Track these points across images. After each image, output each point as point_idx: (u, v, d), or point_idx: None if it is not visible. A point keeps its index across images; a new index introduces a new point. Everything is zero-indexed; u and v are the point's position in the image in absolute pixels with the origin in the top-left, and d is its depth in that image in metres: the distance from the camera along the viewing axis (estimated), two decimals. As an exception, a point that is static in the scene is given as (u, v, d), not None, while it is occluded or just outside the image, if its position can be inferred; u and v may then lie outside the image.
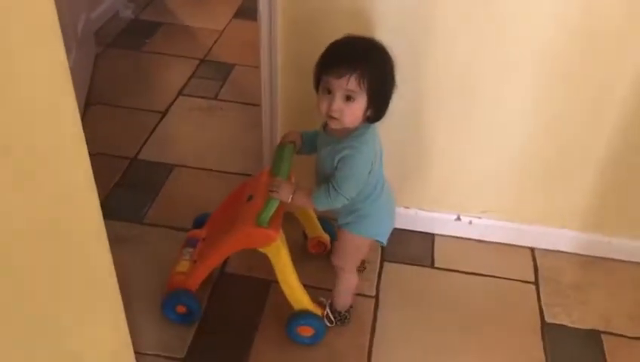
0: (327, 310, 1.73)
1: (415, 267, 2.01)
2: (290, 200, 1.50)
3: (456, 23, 1.66)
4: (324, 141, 1.51)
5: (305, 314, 1.68)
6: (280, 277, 1.63)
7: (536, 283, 1.97)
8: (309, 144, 1.63)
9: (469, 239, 2.09)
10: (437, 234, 2.11)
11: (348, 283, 1.70)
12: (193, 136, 2.54)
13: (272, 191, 1.51)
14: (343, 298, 1.72)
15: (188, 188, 2.29)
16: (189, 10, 3.44)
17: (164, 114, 2.64)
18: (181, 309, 1.72)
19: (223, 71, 2.93)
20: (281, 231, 1.59)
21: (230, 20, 3.33)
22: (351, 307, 1.76)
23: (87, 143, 0.97)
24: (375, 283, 1.93)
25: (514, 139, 1.86)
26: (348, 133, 1.43)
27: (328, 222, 1.92)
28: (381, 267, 1.99)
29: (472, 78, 1.76)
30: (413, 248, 2.06)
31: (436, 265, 2.01)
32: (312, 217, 1.90)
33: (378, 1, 1.66)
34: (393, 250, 2.01)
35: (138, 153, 2.41)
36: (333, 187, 1.44)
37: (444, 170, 1.97)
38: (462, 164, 1.94)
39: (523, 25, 1.64)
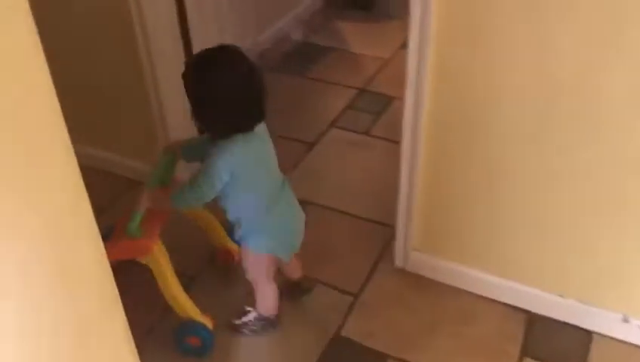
0: (252, 316, 1.76)
1: (562, 369, 1.67)
2: (151, 204, 1.56)
3: None
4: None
5: (192, 323, 1.68)
6: (162, 287, 1.63)
7: None
8: (190, 152, 1.65)
9: (638, 347, 1.69)
10: (596, 333, 1.73)
11: (263, 293, 1.72)
12: (333, 173, 2.41)
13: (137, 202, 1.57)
14: (265, 304, 1.74)
15: (315, 230, 2.14)
16: (360, 36, 3.33)
17: (312, 145, 2.54)
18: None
19: (381, 103, 2.76)
20: (159, 241, 1.60)
21: (399, 49, 3.15)
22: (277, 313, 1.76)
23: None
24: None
25: None
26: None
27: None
28: (520, 362, 1.68)
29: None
30: (564, 345, 1.71)
31: (590, 371, 1.66)
32: (216, 226, 1.89)
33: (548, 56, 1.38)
34: (538, 343, 1.69)
35: (277, 186, 2.33)
36: (189, 183, 1.47)
37: (611, 258, 1.60)
38: (636, 253, 1.57)
39: None
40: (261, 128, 1.51)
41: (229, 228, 1.80)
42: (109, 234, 1.76)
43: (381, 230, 2.12)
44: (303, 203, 2.20)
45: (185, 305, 1.67)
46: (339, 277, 1.97)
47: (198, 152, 1.57)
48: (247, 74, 1.44)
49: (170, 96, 2.07)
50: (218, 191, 1.47)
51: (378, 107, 2.74)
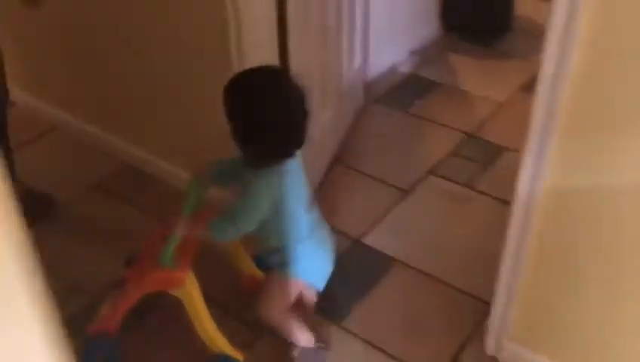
0: (297, 352, 1.66)
1: None
2: (187, 233, 1.48)
3: None
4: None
5: (222, 357, 1.61)
6: (194, 319, 1.57)
7: None
8: (223, 175, 1.56)
9: None
10: None
11: (290, 329, 1.63)
12: (427, 228, 2.16)
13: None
14: (298, 337, 1.64)
15: (401, 294, 1.92)
16: (474, 73, 3.04)
17: (406, 193, 2.31)
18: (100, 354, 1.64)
19: (489, 153, 2.48)
20: (190, 272, 1.53)
21: (515, 92, 2.84)
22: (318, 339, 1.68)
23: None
24: None
25: None
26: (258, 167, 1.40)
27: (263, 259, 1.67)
28: None
29: None
30: None
31: None
32: (242, 252, 1.79)
33: None
34: None
35: (363, 235, 2.12)
36: (228, 215, 1.42)
37: None
38: None
39: None
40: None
41: (255, 255, 1.79)
42: (130, 261, 1.72)
43: (474, 305, 1.86)
44: (389, 260, 2.02)
45: (216, 338, 1.61)
46: (420, 354, 1.73)
47: (232, 175, 1.54)
48: (287, 96, 1.36)
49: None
50: (257, 224, 1.43)
51: (486, 157, 2.46)
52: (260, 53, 1.81)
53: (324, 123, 2.25)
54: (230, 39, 1.80)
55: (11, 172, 1.88)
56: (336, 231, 2.08)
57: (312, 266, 1.57)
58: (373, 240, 2.10)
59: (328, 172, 2.36)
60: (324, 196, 2.18)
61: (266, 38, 1.85)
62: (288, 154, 1.39)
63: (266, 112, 1.34)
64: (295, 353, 1.68)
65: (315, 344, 1.68)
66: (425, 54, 3.15)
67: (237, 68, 1.81)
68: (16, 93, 2.35)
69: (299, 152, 1.44)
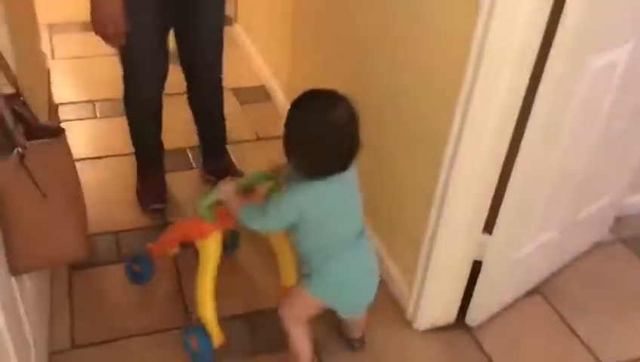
0: None
1: None
2: (225, 197, 1.54)
3: None
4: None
5: (198, 329, 1.62)
6: (198, 276, 1.61)
7: None
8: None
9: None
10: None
11: (296, 336, 1.57)
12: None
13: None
14: (297, 348, 1.58)
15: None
16: None
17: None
18: (136, 268, 1.86)
19: None
20: (219, 235, 1.60)
21: None
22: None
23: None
24: None
25: None
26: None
27: None
28: None
29: None
30: None
31: None
32: (289, 263, 1.77)
33: None
34: None
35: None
36: (262, 207, 1.47)
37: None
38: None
39: None
40: (350, 173, 1.45)
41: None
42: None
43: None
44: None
45: (205, 305, 1.61)
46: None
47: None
48: (338, 124, 1.38)
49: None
50: (285, 227, 1.48)
51: None
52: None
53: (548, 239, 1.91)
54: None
55: None
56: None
57: (334, 287, 1.52)
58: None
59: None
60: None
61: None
62: (327, 175, 1.41)
63: (313, 133, 1.39)
64: None
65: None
66: None
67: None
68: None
69: (354, 170, 1.46)
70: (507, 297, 1.92)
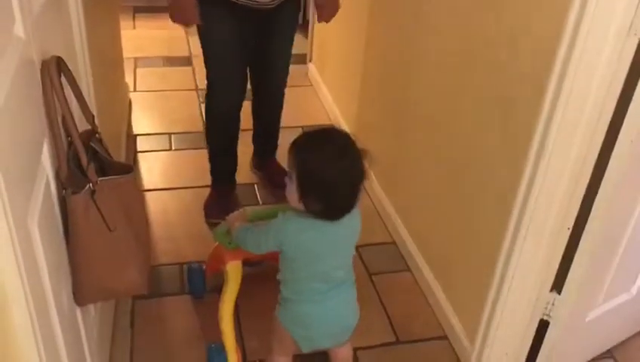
0: None
1: None
2: (230, 219, 1.65)
3: None
4: None
5: (216, 347, 1.72)
6: (222, 295, 1.69)
7: None
8: None
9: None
10: None
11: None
12: None
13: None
14: None
15: None
16: None
17: None
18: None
19: None
20: (237, 263, 1.70)
21: None
22: None
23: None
24: None
25: None
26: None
27: None
28: None
29: None
30: None
31: None
32: None
33: None
34: None
35: None
36: (250, 230, 1.54)
37: None
38: None
39: None
40: (354, 220, 1.44)
41: None
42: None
43: None
44: None
45: (226, 326, 1.68)
46: None
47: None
48: (341, 164, 1.34)
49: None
50: (264, 252, 1.50)
51: None
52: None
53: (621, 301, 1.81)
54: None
55: None
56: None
57: (293, 323, 1.53)
58: None
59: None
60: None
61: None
62: (323, 216, 1.38)
63: (311, 170, 1.36)
64: None
65: None
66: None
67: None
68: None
69: (357, 215, 1.44)
70: (576, 361, 1.82)
